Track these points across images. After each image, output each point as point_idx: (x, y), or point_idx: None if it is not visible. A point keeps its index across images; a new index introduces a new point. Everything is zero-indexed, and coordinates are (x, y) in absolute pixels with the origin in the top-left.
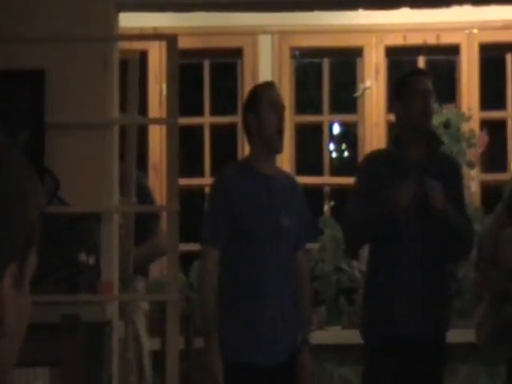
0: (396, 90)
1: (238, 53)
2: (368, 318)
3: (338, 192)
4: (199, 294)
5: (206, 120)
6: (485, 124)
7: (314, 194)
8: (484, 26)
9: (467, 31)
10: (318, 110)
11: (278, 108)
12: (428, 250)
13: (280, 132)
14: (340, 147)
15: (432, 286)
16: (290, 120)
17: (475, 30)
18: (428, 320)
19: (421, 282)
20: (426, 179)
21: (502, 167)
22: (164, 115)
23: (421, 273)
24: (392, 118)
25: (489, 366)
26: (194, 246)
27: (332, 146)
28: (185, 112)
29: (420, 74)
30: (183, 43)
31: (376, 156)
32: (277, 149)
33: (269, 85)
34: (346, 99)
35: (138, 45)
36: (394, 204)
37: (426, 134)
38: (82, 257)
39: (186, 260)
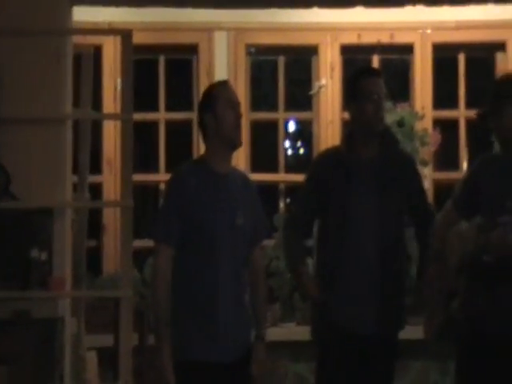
0: (350, 91)
1: (193, 49)
2: (319, 315)
3: (293, 189)
4: (152, 291)
5: (161, 116)
6: (437, 123)
7: (269, 191)
8: (437, 26)
9: (421, 31)
10: (273, 108)
11: (235, 105)
12: (384, 249)
13: (238, 128)
14: (295, 144)
15: (388, 284)
16: (246, 117)
17: (428, 30)
18: (382, 318)
19: (374, 281)
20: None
21: (455, 166)
22: (118, 111)
23: (374, 272)
24: (347, 116)
25: (440, 362)
26: (148, 243)
27: (287, 144)
28: (140, 108)
29: (373, 75)
30: (138, 38)
31: (328, 155)
32: (236, 144)
33: (223, 84)
34: (302, 97)
35: (92, 39)
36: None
37: (379, 133)
38: (34, 253)
39: (141, 256)
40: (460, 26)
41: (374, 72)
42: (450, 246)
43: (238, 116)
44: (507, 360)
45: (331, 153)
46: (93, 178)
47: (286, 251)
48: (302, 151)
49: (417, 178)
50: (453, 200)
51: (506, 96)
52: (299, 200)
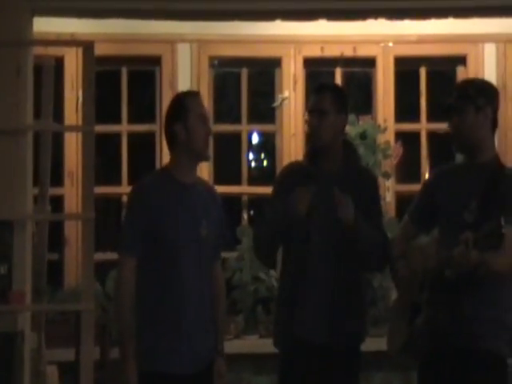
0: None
1: (156, 61)
2: (280, 327)
3: (257, 201)
4: (115, 303)
5: (124, 128)
6: (399, 135)
7: (233, 203)
8: (399, 40)
9: (383, 44)
10: (236, 120)
11: (206, 120)
12: (341, 259)
13: (208, 142)
14: (259, 157)
15: (346, 296)
16: None
17: (390, 44)
18: (341, 329)
19: (333, 292)
20: (335, 192)
21: (416, 178)
22: (80, 122)
23: (333, 283)
24: None
25: (402, 373)
26: (110, 255)
27: (251, 156)
28: (102, 120)
29: (316, 91)
30: (100, 50)
31: (291, 168)
32: (206, 158)
33: (195, 95)
34: (265, 109)
35: (53, 50)
36: (292, 211)
37: (342, 147)
38: None
39: (103, 269)
40: (421, 40)
41: (323, 88)
42: (411, 260)
43: (209, 131)
44: (468, 373)
45: (294, 168)
46: (54, 191)
47: (260, 242)
48: (265, 163)
49: (376, 199)
50: (409, 213)
51: (469, 96)
52: (265, 216)
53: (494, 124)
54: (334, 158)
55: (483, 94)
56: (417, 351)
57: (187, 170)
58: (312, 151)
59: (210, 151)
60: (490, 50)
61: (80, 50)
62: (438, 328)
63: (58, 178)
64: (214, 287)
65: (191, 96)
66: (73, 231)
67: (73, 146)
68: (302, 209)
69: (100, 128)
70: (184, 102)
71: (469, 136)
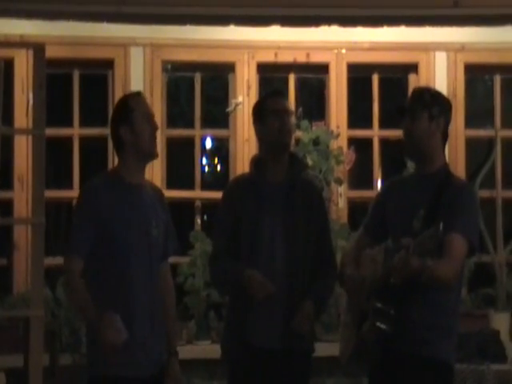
0: (255, 112)
1: (108, 64)
2: (229, 331)
3: (210, 206)
4: (70, 299)
5: (75, 131)
6: (352, 142)
7: (186, 208)
8: (352, 47)
9: (336, 51)
10: (190, 124)
11: (151, 117)
12: (292, 265)
13: (154, 140)
14: (212, 162)
15: (297, 301)
16: (162, 133)
17: (343, 50)
18: (288, 333)
19: (284, 297)
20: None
21: (368, 184)
22: (30, 125)
23: (284, 287)
24: None
25: (353, 379)
26: (60, 261)
27: (204, 161)
28: (53, 123)
29: (276, 95)
30: (52, 52)
31: (239, 181)
32: (153, 156)
33: (138, 95)
34: (218, 114)
35: (2, 52)
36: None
37: (288, 157)
38: None
39: (53, 275)
40: (374, 47)
41: (278, 93)
42: (362, 268)
43: (154, 128)
44: (415, 379)
45: (242, 179)
46: (3, 194)
47: (217, 274)
48: (218, 168)
49: (323, 212)
50: (364, 224)
51: (424, 103)
52: (217, 233)
53: (445, 136)
54: (280, 167)
55: (438, 103)
56: (366, 358)
57: (135, 171)
58: (258, 162)
59: (163, 155)
60: (441, 59)
61: (31, 52)
62: (384, 335)
63: (7, 182)
64: (162, 287)
65: (134, 97)
66: (22, 236)
67: (23, 150)
68: (259, 296)
69: (51, 131)
70: (127, 104)
71: (419, 142)
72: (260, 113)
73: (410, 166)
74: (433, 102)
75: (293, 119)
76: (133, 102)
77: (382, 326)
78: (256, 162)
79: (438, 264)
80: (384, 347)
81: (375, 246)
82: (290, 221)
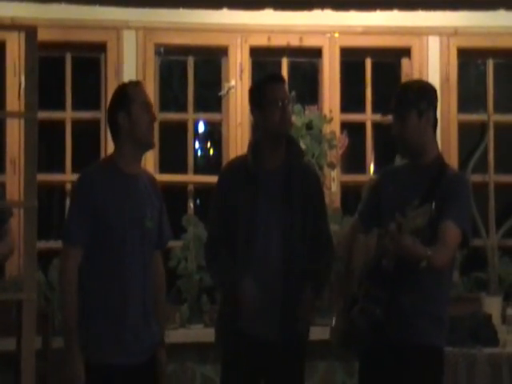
0: (254, 98)
1: (101, 47)
2: (223, 319)
3: (203, 190)
4: (59, 292)
5: (68, 115)
6: (345, 126)
7: (178, 192)
8: (345, 31)
9: (329, 35)
10: (182, 108)
11: (149, 107)
12: (288, 253)
13: (152, 130)
14: (205, 146)
15: (292, 289)
16: None
17: (336, 34)
18: (286, 322)
19: (281, 285)
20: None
21: (361, 168)
22: (22, 109)
23: (280, 275)
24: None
25: (345, 362)
26: (53, 244)
27: (197, 145)
28: (45, 106)
29: (276, 81)
30: (44, 35)
31: (234, 166)
32: (151, 145)
33: (137, 84)
34: (211, 98)
35: None
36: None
37: (285, 142)
38: None
39: (45, 258)
40: (367, 31)
41: (278, 78)
42: (355, 256)
43: (153, 118)
44: (406, 366)
45: (237, 164)
46: None
47: (213, 268)
48: (211, 152)
49: (321, 198)
50: (358, 212)
51: (410, 102)
52: (212, 220)
53: (435, 125)
54: (277, 154)
55: (424, 97)
56: (355, 343)
57: (132, 160)
58: (256, 146)
59: (156, 139)
60: (433, 43)
61: (22, 35)
62: (374, 320)
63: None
64: (153, 276)
65: (134, 85)
66: (15, 219)
67: (15, 133)
68: (247, 303)
69: (43, 115)
70: (126, 91)
71: (412, 141)
72: (259, 100)
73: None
74: (419, 98)
75: (290, 107)
76: (132, 90)
77: (373, 310)
78: (253, 148)
79: (437, 253)
80: (374, 333)
81: (369, 234)
82: (287, 208)
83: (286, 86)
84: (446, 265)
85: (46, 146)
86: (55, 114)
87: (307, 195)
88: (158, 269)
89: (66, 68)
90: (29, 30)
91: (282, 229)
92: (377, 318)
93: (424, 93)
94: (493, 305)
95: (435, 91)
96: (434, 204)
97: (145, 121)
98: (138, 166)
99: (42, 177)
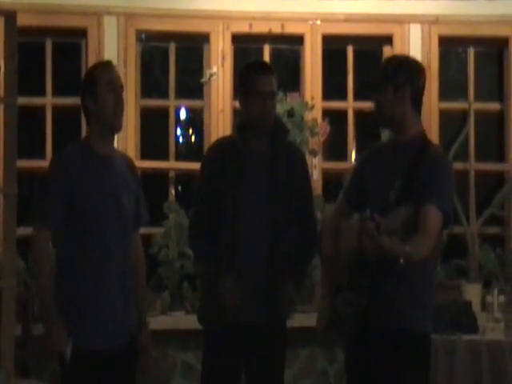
0: (240, 85)
1: (82, 33)
2: (205, 304)
3: (184, 177)
4: (35, 275)
5: (48, 101)
6: (327, 113)
7: (160, 179)
8: (327, 18)
9: (311, 22)
10: (164, 95)
11: (116, 88)
12: (274, 234)
13: (119, 112)
14: (186, 132)
15: (274, 275)
16: (136, 104)
17: (318, 22)
18: (269, 306)
19: (266, 266)
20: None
21: (343, 156)
22: (2, 94)
23: (266, 256)
24: (238, 105)
25: (326, 349)
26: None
27: (178, 131)
28: (25, 92)
29: (265, 73)
30: (23, 20)
31: (220, 145)
32: (115, 128)
33: (105, 65)
34: (193, 85)
35: None
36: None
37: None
38: None
39: (25, 245)
40: (349, 19)
41: (266, 68)
42: (340, 241)
43: (119, 99)
44: (392, 352)
45: (222, 144)
46: None
47: (196, 255)
48: (193, 139)
49: (306, 178)
50: (343, 192)
51: (387, 75)
52: (197, 201)
53: (417, 100)
54: (262, 134)
55: (402, 72)
56: (340, 330)
57: (104, 141)
58: (241, 127)
59: (137, 126)
60: (415, 31)
61: (1, 20)
62: (358, 307)
63: None
64: (133, 257)
65: (101, 67)
66: None
67: None
68: (231, 303)
69: (23, 100)
70: (93, 74)
71: (388, 114)
72: (245, 89)
73: (384, 137)
74: (396, 73)
75: (276, 98)
76: (98, 73)
77: (356, 299)
78: (240, 128)
79: (415, 247)
80: (359, 320)
81: (354, 215)
82: (273, 189)
83: (274, 78)
84: (427, 255)
85: (26, 132)
86: (35, 100)
87: (292, 176)
88: (137, 250)
89: (46, 54)
90: (8, 15)
91: (267, 210)
92: (360, 306)
93: (403, 68)
94: (473, 292)
95: (420, 68)
96: (409, 206)
97: (110, 102)
98: (111, 146)
99: (22, 163)
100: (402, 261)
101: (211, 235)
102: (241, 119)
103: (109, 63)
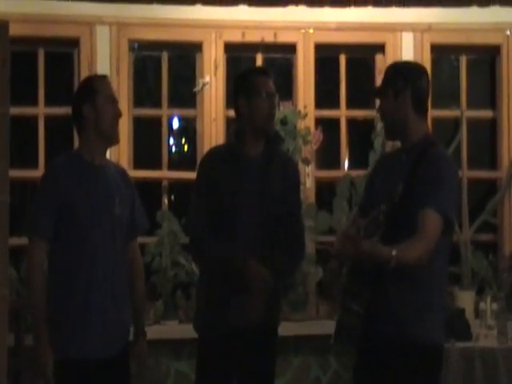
0: (240, 86)
1: (74, 43)
2: (201, 311)
3: (177, 186)
4: (28, 287)
5: (41, 110)
6: (319, 122)
7: (153, 188)
8: (319, 27)
9: (303, 31)
10: (156, 104)
11: (115, 101)
12: (266, 246)
13: (116, 124)
14: (179, 141)
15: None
16: (129, 113)
17: (311, 30)
18: (263, 313)
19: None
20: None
21: (336, 164)
22: None
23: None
24: (231, 113)
25: (320, 357)
26: (25, 240)
27: (171, 140)
28: (18, 102)
29: (264, 75)
30: (16, 30)
31: (216, 152)
32: (114, 140)
33: (103, 78)
34: (186, 94)
35: None
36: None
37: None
38: None
39: (18, 254)
40: (341, 28)
41: (265, 72)
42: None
43: (118, 113)
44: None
45: (218, 152)
46: None
47: (206, 254)
48: (185, 148)
49: (297, 189)
50: (358, 205)
51: (388, 80)
52: (197, 209)
53: (420, 104)
54: (258, 141)
55: (402, 76)
56: (346, 340)
57: (97, 152)
58: (239, 133)
59: (130, 135)
60: (407, 39)
61: None
62: (358, 317)
63: None
64: (131, 267)
65: (99, 78)
66: None
67: None
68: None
69: (16, 110)
70: (92, 84)
71: (391, 120)
72: (248, 90)
73: (377, 146)
74: (396, 77)
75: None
76: (98, 83)
77: (354, 308)
78: (237, 134)
79: (404, 250)
80: (363, 329)
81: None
82: (266, 195)
83: (272, 82)
84: (422, 258)
85: (18, 141)
86: (28, 110)
87: (285, 185)
88: (136, 259)
89: (38, 63)
90: (0, 24)
91: (260, 216)
92: (358, 314)
93: (403, 71)
94: (466, 299)
95: (419, 70)
96: (382, 206)
97: (109, 114)
98: (104, 157)
99: (15, 173)
100: (392, 264)
101: (214, 235)
102: (238, 126)
103: (106, 76)
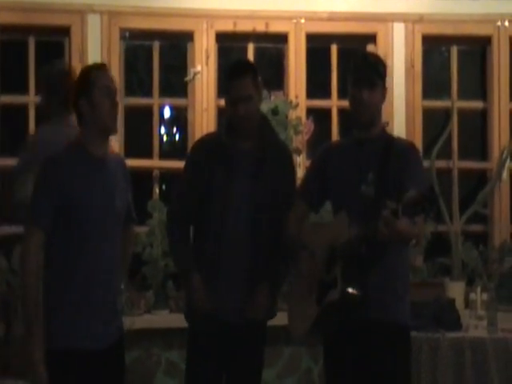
0: (224, 86)
1: (65, 31)
2: (190, 304)
3: (168, 175)
4: (21, 276)
5: (31, 99)
6: (311, 112)
7: (144, 177)
8: (311, 17)
9: (295, 21)
10: (148, 93)
11: (112, 92)
12: (256, 239)
13: (114, 116)
14: (170, 131)
15: (257, 273)
16: (120, 102)
17: (302, 20)
18: (245, 306)
19: (245, 268)
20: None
21: None
22: None
23: (248, 264)
24: (222, 103)
25: (311, 347)
26: (16, 229)
27: (162, 130)
28: (8, 90)
29: (240, 76)
30: (6, 18)
31: (206, 142)
32: (111, 132)
33: (101, 68)
34: (177, 83)
35: None
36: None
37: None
38: None
39: (8, 244)
40: (333, 18)
41: (241, 71)
42: (311, 240)
43: (115, 104)
44: (374, 345)
45: (209, 141)
46: None
47: (173, 251)
48: (177, 137)
49: (292, 178)
50: (299, 193)
51: (379, 74)
52: (177, 195)
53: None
54: (250, 133)
55: (385, 73)
56: (325, 328)
57: (97, 143)
58: (228, 126)
59: (121, 124)
60: (399, 29)
61: None
62: (355, 301)
63: None
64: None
65: (96, 69)
66: None
67: None
68: (202, 305)
69: (6, 99)
70: (88, 76)
71: (374, 111)
72: (226, 93)
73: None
74: (384, 74)
75: (256, 101)
76: (94, 75)
77: (355, 292)
78: (227, 127)
79: (417, 228)
80: (346, 313)
81: (312, 214)
82: (259, 188)
83: (251, 79)
84: (419, 235)
85: (8, 130)
86: (18, 99)
87: (278, 178)
88: (126, 245)
89: (29, 52)
90: None
91: (252, 209)
92: (358, 298)
93: (386, 70)
94: (456, 290)
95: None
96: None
97: (106, 106)
98: (105, 148)
99: (5, 161)
100: (414, 241)
101: (184, 234)
102: (227, 118)
103: (104, 66)
